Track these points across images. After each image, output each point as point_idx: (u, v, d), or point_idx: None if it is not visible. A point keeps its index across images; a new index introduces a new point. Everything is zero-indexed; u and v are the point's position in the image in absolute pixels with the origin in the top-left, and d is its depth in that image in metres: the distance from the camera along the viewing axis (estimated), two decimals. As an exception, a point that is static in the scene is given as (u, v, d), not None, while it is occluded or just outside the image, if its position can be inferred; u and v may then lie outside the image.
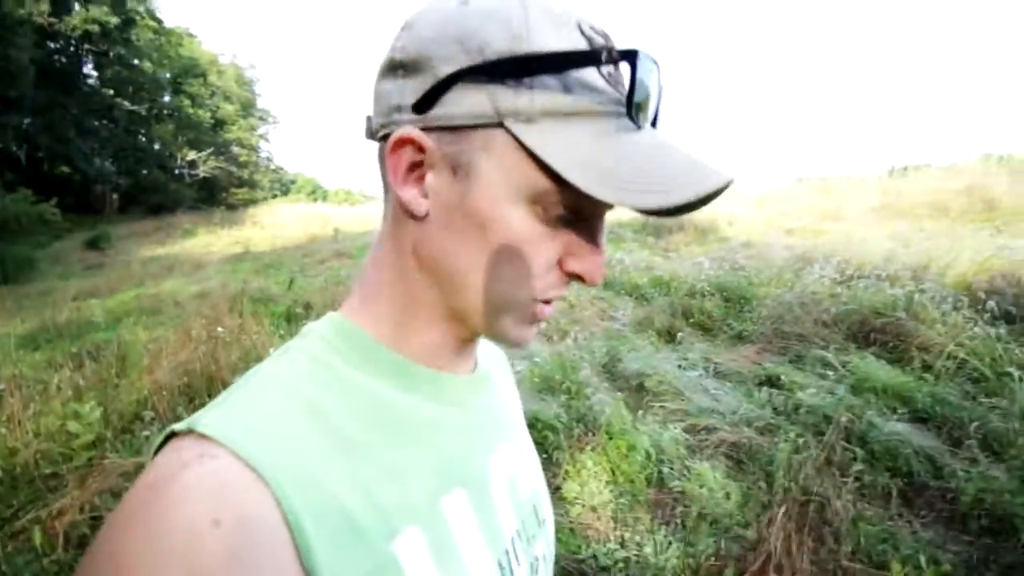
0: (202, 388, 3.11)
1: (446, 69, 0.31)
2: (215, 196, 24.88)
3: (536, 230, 0.33)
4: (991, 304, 3.67)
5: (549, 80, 0.30)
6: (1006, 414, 2.62)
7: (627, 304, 5.29)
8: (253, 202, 26.00)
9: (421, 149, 0.33)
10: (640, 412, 3.05)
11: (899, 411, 2.90)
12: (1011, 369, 2.80)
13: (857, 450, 2.52)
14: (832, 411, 2.69)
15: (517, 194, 0.32)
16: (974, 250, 5.39)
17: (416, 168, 0.34)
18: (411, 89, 0.33)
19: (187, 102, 23.48)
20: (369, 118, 0.37)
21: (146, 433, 2.67)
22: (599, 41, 0.31)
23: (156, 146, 22.60)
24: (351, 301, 0.39)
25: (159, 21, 22.40)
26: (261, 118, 31.55)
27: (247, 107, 29.34)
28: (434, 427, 0.37)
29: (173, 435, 0.30)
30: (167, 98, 23.37)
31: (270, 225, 16.17)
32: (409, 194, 0.34)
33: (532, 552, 0.43)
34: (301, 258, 10.19)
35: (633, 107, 0.31)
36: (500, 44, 0.30)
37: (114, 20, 18.77)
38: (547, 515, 0.47)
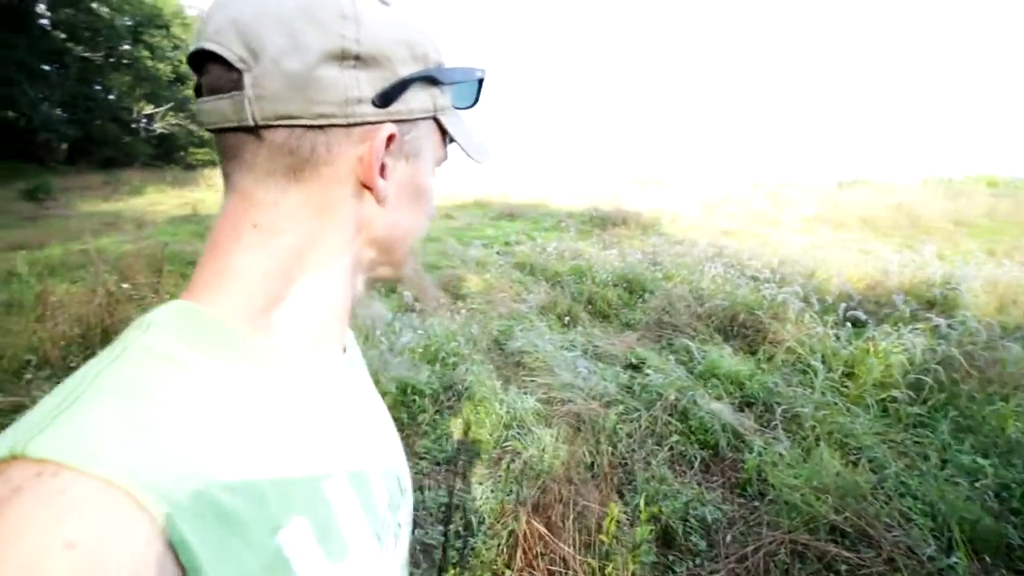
0: (96, 340, 3.27)
1: (403, 70, 0.37)
2: (172, 154, 24.06)
3: (434, 188, 0.45)
4: (841, 308, 4.11)
5: (448, 85, 0.42)
6: (808, 400, 3.04)
7: (542, 288, 5.59)
8: (213, 163, 25.31)
9: (389, 140, 0.37)
10: (510, 384, 3.36)
11: (733, 394, 3.29)
12: (813, 362, 3.21)
13: (677, 424, 2.89)
14: (664, 390, 3.05)
15: (434, 165, 0.44)
16: (857, 261, 5.89)
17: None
18: (368, 83, 0.35)
19: (146, 53, 22.52)
20: (247, 99, 0.33)
21: (28, 376, 2.83)
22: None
23: (111, 97, 21.68)
24: (201, 289, 0.36)
25: (120, -37, 21.32)
26: (229, 77, 30.50)
27: (214, 64, 28.32)
28: (310, 411, 0.37)
29: None
30: (126, 47, 22.36)
31: (225, 189, 15.86)
32: (382, 182, 0.38)
33: (396, 519, 0.45)
34: (248, 224, 10.13)
35: (475, 103, 0.46)
36: (433, 56, 0.40)
37: (69, -41, 17.84)
38: (407, 485, 0.51)
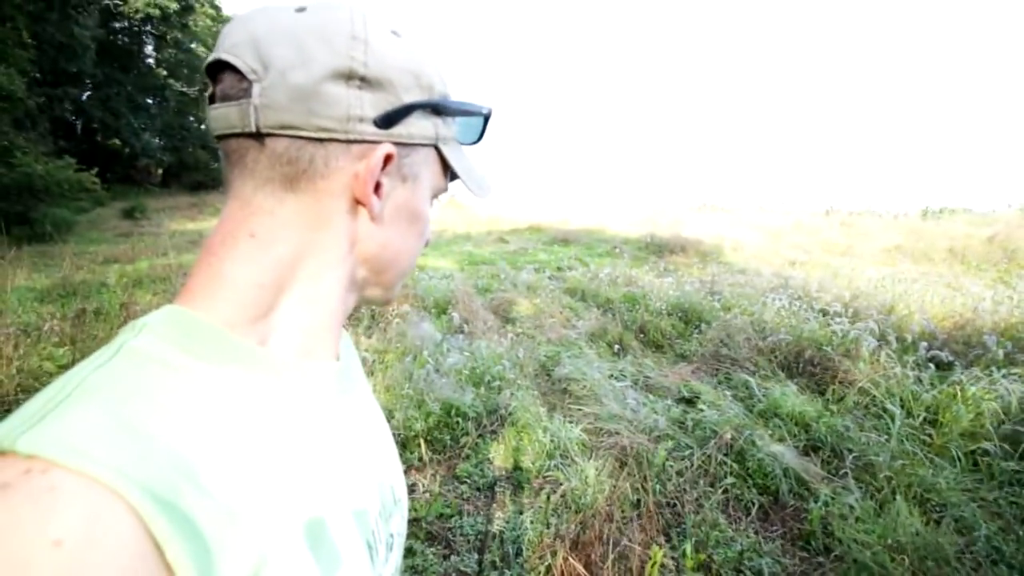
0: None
1: (407, 97, 0.38)
2: (252, 179, 26.02)
3: (430, 215, 0.46)
4: (923, 348, 3.75)
5: (451, 117, 0.43)
6: (884, 448, 2.76)
7: (592, 315, 5.49)
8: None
9: (387, 160, 0.38)
10: (555, 412, 3.28)
11: (798, 436, 3.05)
12: (890, 406, 2.92)
13: (733, 465, 2.70)
14: (719, 427, 2.87)
15: (431, 192, 0.44)
16: (943, 297, 5.38)
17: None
18: (371, 104, 0.37)
19: (235, 88, 24.62)
20: (253, 107, 0.34)
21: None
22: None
23: (202, 127, 23.82)
24: (194, 294, 0.36)
25: (217, 9, 23.61)
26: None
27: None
28: (303, 418, 0.37)
29: None
30: (217, 82, 24.52)
31: (296, 211, 16.85)
32: (375, 199, 0.39)
33: (388, 529, 0.45)
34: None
35: (479, 140, 0.46)
36: (439, 87, 0.41)
37: (174, 5, 19.92)
38: (402, 495, 0.50)
